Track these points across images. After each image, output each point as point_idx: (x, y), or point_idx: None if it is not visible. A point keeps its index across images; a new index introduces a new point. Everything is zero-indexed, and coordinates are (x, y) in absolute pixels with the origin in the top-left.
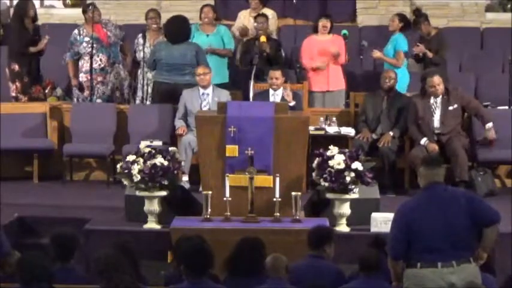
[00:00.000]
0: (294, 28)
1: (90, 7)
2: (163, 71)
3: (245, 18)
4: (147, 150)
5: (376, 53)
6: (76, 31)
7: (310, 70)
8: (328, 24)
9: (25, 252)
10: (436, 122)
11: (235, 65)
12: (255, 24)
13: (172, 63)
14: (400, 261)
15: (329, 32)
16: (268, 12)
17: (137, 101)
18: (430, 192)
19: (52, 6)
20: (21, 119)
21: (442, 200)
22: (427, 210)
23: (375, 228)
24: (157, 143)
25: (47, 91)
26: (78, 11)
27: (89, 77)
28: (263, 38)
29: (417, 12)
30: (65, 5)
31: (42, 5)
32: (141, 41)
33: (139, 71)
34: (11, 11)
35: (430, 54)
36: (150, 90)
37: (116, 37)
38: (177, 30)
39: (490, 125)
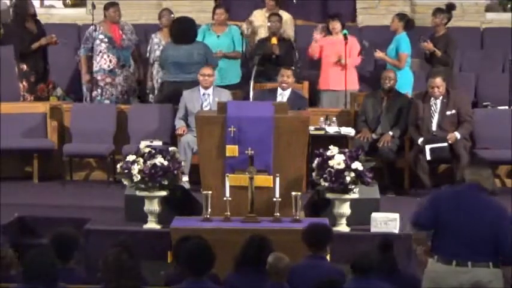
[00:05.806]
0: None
1: (113, 7)
2: (170, 69)
3: (259, 18)
4: (147, 150)
5: (379, 53)
6: (92, 27)
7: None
8: (337, 26)
9: (30, 250)
10: (434, 125)
11: (249, 64)
12: (268, 23)
13: (178, 62)
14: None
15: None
16: (284, 15)
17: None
18: (465, 190)
19: (52, 6)
20: (21, 119)
21: (474, 201)
22: (457, 206)
23: (374, 228)
24: (157, 143)
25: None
26: (78, 11)
27: (98, 77)
28: (274, 40)
29: (450, 5)
30: (65, 5)
31: (42, 5)
32: (156, 40)
33: (155, 71)
34: (11, 11)
35: (438, 53)
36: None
37: (130, 42)
38: (182, 31)
39: (457, 134)
